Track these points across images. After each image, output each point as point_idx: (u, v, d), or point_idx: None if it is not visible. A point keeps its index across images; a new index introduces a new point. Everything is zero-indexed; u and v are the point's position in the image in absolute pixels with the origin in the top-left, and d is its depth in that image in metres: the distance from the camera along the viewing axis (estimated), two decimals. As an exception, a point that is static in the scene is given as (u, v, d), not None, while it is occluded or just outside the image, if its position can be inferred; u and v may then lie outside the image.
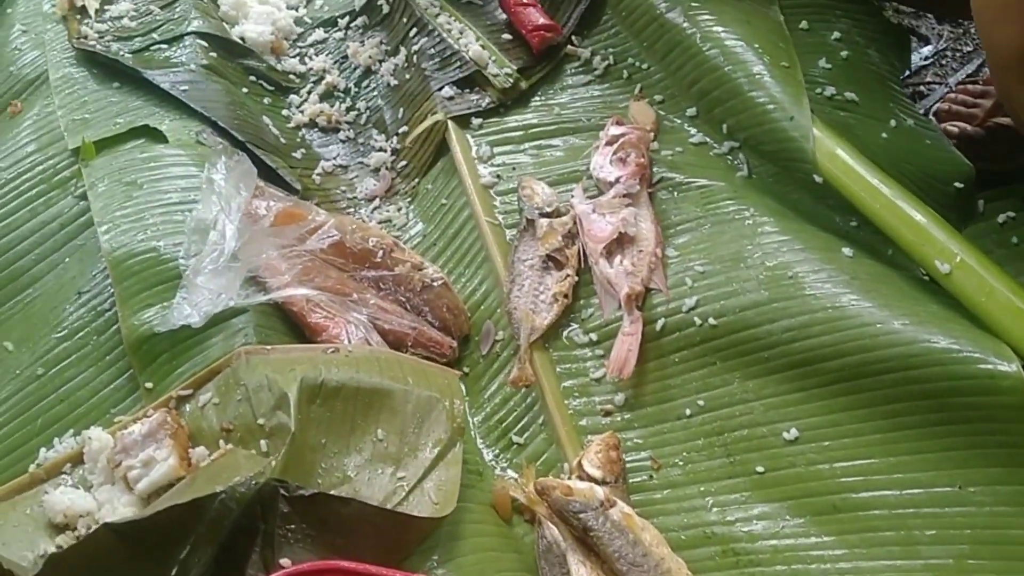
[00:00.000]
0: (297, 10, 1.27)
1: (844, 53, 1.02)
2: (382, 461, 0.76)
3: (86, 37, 1.13)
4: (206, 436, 0.77)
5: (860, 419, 0.76)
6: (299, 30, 1.25)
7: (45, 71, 1.11)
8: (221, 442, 0.76)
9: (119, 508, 0.74)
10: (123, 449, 0.76)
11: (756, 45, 0.96)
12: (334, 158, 1.11)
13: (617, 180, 0.94)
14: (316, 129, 1.14)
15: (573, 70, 1.10)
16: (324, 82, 1.18)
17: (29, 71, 1.13)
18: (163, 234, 0.90)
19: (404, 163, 1.08)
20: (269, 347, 0.80)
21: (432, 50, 1.12)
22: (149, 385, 0.83)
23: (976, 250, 0.79)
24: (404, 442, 0.77)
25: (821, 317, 0.79)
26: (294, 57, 1.22)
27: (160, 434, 0.76)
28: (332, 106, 1.16)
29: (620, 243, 0.90)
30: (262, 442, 0.74)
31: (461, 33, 1.11)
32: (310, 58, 1.21)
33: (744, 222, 0.88)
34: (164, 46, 1.14)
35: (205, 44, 1.14)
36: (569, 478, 0.79)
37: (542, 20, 1.11)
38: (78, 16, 1.17)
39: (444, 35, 1.12)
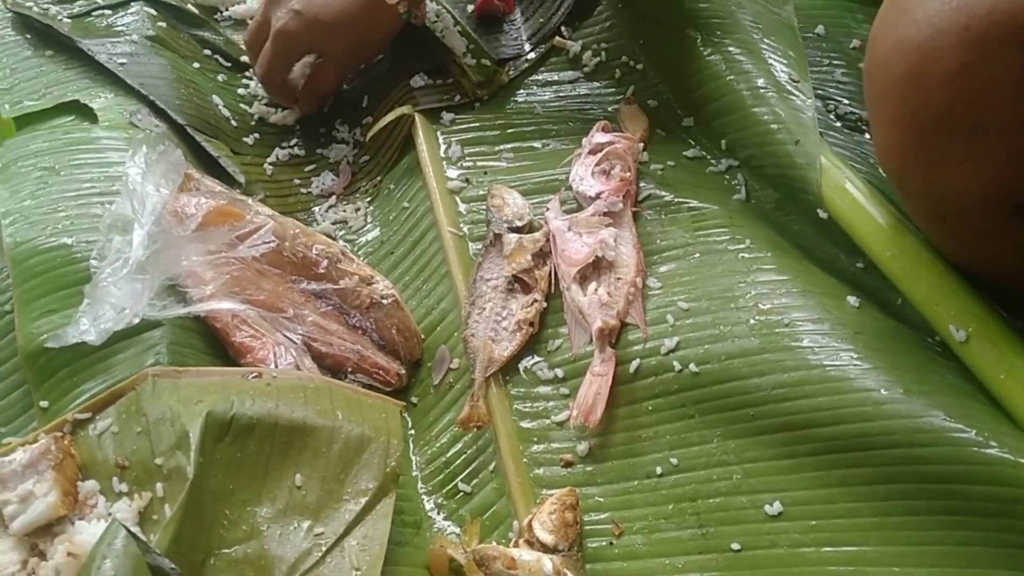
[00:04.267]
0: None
1: (863, 65, 0.90)
2: (298, 513, 0.65)
3: (23, -3, 1.01)
4: (100, 469, 0.67)
5: (855, 498, 0.65)
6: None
7: (-25, 33, 1.00)
8: (115, 480, 0.66)
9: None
10: (0, 480, 0.66)
11: (763, 54, 0.85)
12: (291, 146, 1.00)
13: (598, 195, 0.83)
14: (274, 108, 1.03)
15: (560, 65, 0.99)
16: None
17: (-41, 33, 1.01)
18: (77, 229, 0.78)
19: (366, 158, 0.97)
20: (181, 370, 0.70)
21: (404, 33, 1.00)
22: (45, 404, 0.72)
23: (998, 317, 0.68)
24: (325, 490, 0.66)
25: (817, 375, 0.68)
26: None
27: (42, 465, 0.65)
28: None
29: (596, 268, 0.80)
30: (159, 485, 0.64)
31: (437, 16, 1.00)
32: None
33: (738, 255, 0.78)
34: (108, 12, 1.02)
35: (154, 12, 1.03)
36: (517, 541, 0.69)
37: None
38: (17, -25, 1.05)
39: (420, 16, 1.01)
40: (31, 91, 0.92)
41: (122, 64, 0.94)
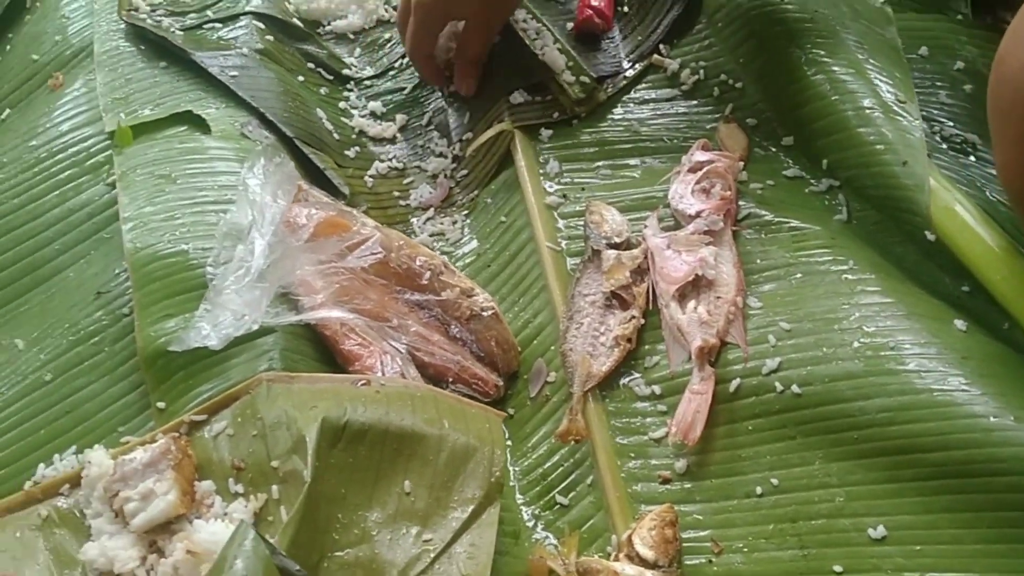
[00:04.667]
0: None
1: (968, 87, 0.90)
2: (408, 519, 0.67)
3: (136, 9, 1.05)
4: (216, 470, 0.70)
5: (961, 524, 0.65)
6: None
7: (92, 43, 1.03)
8: (231, 481, 0.69)
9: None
10: (122, 478, 0.69)
11: (869, 74, 0.85)
12: (390, 159, 1.02)
13: (698, 214, 0.83)
14: (374, 121, 1.05)
15: (658, 83, 0.99)
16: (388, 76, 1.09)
17: (76, 41, 1.05)
18: (193, 236, 0.82)
19: (465, 172, 0.99)
20: (293, 375, 0.72)
21: (505, 50, 1.02)
22: (162, 405, 0.75)
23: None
24: (433, 497, 0.68)
25: (924, 400, 0.68)
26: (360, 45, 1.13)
27: (162, 464, 0.68)
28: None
29: (696, 286, 0.80)
30: (274, 488, 0.67)
31: (537, 33, 1.01)
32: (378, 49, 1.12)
33: (841, 275, 0.78)
34: (218, 25, 1.06)
35: (262, 26, 1.06)
36: (617, 555, 0.70)
37: (600, 4, 1.03)
38: (131, -15, 1.09)
39: (520, 34, 1.02)
40: (146, 101, 0.96)
41: (233, 77, 0.97)
